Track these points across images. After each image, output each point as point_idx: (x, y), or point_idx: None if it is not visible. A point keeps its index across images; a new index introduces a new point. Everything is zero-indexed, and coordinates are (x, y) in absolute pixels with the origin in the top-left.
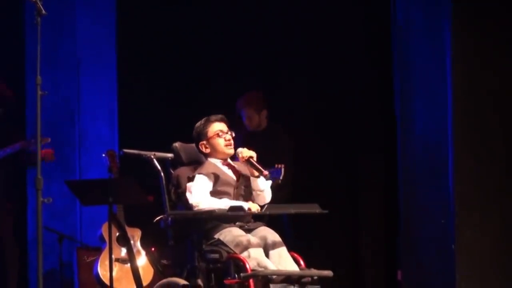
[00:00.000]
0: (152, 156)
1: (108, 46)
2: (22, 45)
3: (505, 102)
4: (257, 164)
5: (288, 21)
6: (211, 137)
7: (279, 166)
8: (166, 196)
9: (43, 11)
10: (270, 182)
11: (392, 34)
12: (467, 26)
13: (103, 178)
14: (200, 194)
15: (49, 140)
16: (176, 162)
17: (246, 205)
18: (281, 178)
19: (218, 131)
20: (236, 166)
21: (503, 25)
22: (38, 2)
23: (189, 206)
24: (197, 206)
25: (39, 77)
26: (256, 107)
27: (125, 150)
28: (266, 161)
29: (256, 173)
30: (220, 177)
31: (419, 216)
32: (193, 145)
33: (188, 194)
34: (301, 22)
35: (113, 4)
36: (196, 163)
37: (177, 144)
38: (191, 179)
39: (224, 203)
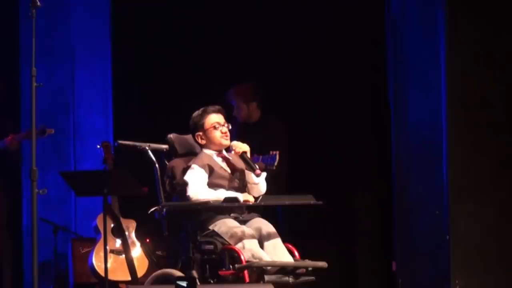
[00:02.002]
0: (147, 148)
1: (102, 36)
2: (16, 37)
3: (499, 93)
4: (249, 161)
5: (282, 15)
6: (207, 129)
7: (274, 152)
8: (161, 187)
9: (38, 3)
10: (265, 174)
11: (386, 25)
12: (461, 17)
13: (98, 169)
14: (197, 185)
15: (53, 131)
16: (171, 154)
17: (241, 196)
18: (275, 164)
19: (215, 123)
20: (230, 158)
21: (497, 16)
22: None
23: (186, 198)
24: (195, 196)
25: (34, 69)
26: (244, 99)
27: (120, 142)
28: (261, 152)
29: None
30: (215, 170)
31: (413, 207)
32: (188, 136)
33: (187, 187)
34: (294, 14)
35: None
36: (191, 154)
37: (172, 136)
38: (186, 169)
39: (220, 194)
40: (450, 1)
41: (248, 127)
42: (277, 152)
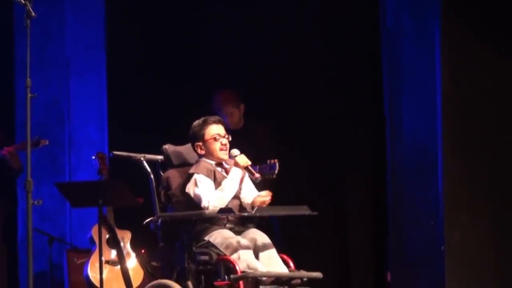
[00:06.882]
0: (142, 158)
1: (97, 47)
2: (11, 47)
3: (494, 104)
4: (250, 168)
5: (276, 21)
6: (207, 140)
7: (273, 161)
8: (156, 198)
9: (33, 14)
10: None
11: (382, 36)
12: (456, 29)
13: (93, 180)
14: (209, 194)
15: (47, 142)
16: (166, 164)
17: (238, 172)
18: (276, 172)
19: (216, 134)
20: (229, 168)
21: (492, 28)
22: (28, 5)
23: (201, 209)
24: (210, 205)
25: (28, 80)
26: (233, 103)
27: (115, 152)
28: (251, 159)
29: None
30: (217, 179)
31: (408, 217)
32: (183, 147)
33: (201, 200)
34: (289, 22)
35: (102, 5)
36: (186, 165)
37: (167, 146)
38: (189, 176)
39: (227, 188)
40: (444, 12)
41: (234, 135)
42: (276, 160)
